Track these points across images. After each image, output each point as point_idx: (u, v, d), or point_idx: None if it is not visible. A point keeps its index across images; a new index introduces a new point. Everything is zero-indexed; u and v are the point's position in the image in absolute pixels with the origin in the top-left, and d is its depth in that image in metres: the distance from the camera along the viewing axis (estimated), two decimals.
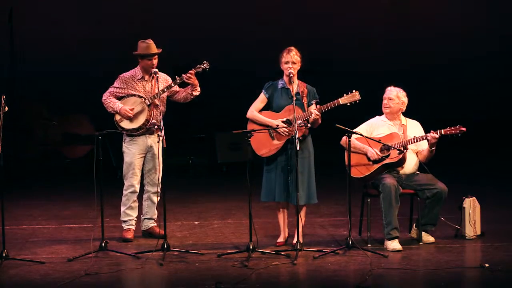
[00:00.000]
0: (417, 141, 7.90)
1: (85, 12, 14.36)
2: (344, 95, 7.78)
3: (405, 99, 8.10)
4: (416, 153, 8.06)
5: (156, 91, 8.18)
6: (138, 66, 8.32)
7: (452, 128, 7.83)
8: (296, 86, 7.85)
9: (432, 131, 7.85)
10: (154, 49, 8.22)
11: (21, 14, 13.91)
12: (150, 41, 8.24)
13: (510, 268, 7.08)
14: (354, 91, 7.78)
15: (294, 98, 7.69)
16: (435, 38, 14.73)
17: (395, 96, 8.06)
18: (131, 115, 8.17)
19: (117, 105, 8.21)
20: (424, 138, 7.88)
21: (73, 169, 13.27)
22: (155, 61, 8.23)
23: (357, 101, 7.75)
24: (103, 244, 7.71)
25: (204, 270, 7.17)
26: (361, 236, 8.24)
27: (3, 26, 13.68)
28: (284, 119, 7.81)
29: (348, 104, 7.76)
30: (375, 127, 8.09)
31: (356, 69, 13.98)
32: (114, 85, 8.32)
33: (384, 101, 8.10)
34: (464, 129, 7.80)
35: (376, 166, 7.92)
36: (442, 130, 7.83)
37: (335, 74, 13.62)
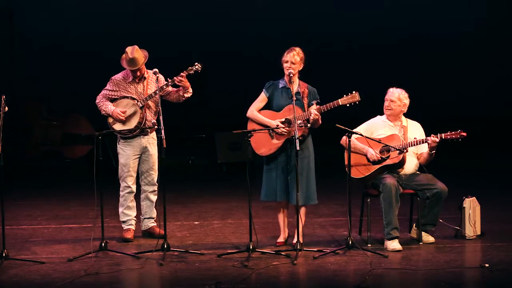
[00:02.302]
0: (417, 144, 7.88)
1: (85, 11, 14.36)
2: (344, 96, 7.76)
3: (407, 101, 8.07)
4: (416, 156, 8.05)
5: (149, 92, 8.18)
6: None
7: (453, 132, 7.81)
8: (296, 86, 7.84)
9: (432, 135, 7.83)
10: (137, 62, 8.07)
11: (21, 14, 13.91)
12: (134, 53, 8.03)
13: (510, 268, 7.08)
14: (354, 92, 7.77)
15: (294, 98, 7.69)
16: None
17: (397, 98, 8.03)
18: (123, 118, 8.15)
19: (109, 107, 8.19)
20: (424, 141, 7.87)
21: (73, 169, 13.28)
22: (138, 73, 8.15)
23: (357, 102, 7.74)
24: (103, 244, 7.71)
25: (204, 270, 7.16)
26: (361, 236, 8.24)
27: (3, 26, 13.68)
28: (283, 119, 7.80)
29: (348, 105, 7.75)
30: (375, 128, 8.08)
31: None
32: (107, 87, 8.29)
33: (386, 103, 8.08)
34: (464, 134, 7.77)
35: (376, 167, 7.91)
36: (443, 134, 7.81)
37: None
